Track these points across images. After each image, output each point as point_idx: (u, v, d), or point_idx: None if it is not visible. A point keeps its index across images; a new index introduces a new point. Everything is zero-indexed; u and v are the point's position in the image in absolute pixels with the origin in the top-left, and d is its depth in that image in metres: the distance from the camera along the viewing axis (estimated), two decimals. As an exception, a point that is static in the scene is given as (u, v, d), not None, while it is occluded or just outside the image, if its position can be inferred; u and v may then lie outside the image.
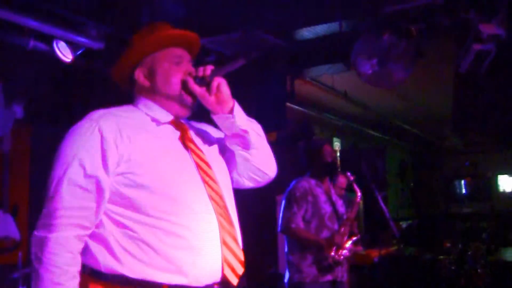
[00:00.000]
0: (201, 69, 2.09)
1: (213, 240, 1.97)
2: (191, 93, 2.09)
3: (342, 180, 5.06)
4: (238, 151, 2.16)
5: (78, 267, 1.90)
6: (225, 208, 2.04)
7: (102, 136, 1.94)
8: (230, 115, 2.07)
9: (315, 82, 7.09)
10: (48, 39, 4.60)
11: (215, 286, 1.96)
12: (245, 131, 2.11)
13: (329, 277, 4.25)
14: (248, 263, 5.73)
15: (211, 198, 2.00)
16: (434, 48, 5.71)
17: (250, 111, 6.25)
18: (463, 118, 5.58)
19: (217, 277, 1.96)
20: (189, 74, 2.11)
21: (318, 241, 4.26)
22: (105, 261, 1.92)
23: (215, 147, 2.24)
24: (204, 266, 1.93)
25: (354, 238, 4.36)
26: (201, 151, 2.11)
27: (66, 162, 1.92)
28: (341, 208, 4.49)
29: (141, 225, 1.91)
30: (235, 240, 2.02)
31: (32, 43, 4.59)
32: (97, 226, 1.95)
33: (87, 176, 1.90)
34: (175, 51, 2.16)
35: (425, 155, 12.09)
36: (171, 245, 1.90)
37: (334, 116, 8.66)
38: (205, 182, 2.02)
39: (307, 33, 5.61)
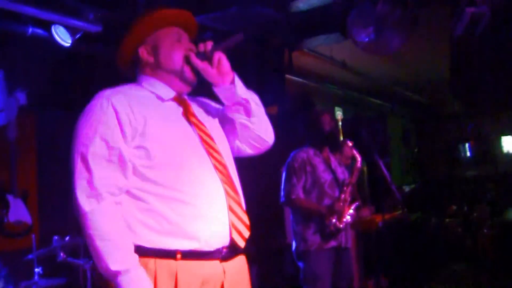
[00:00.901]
0: (201, 45, 2.23)
1: (220, 206, 2.09)
2: (193, 68, 2.22)
3: (347, 149, 5.12)
4: (239, 119, 2.30)
5: (126, 229, 2.01)
6: (229, 177, 2.16)
7: (116, 112, 2.05)
8: (232, 85, 2.22)
9: (314, 53, 7.10)
10: (47, 25, 4.66)
11: (224, 249, 2.09)
12: (246, 100, 2.26)
13: (333, 243, 4.33)
14: (257, 235, 5.81)
15: (216, 168, 2.13)
16: (430, 12, 5.73)
17: (249, 85, 6.31)
18: (460, 81, 5.62)
19: (225, 241, 2.09)
20: (191, 49, 2.24)
21: (319, 210, 4.34)
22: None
23: (215, 120, 2.37)
24: (213, 231, 2.06)
25: (356, 204, 4.42)
26: (203, 124, 2.23)
27: (88, 138, 2.03)
28: (341, 175, 4.54)
29: (153, 196, 2.03)
30: (240, 206, 2.15)
31: (31, 29, 4.65)
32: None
33: (110, 148, 2.02)
34: (175, 29, 2.29)
35: (428, 120, 12.12)
36: (181, 213, 2.03)
37: (335, 86, 8.67)
38: (209, 153, 2.15)
39: (302, 4, 5.63)
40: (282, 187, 4.49)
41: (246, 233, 2.14)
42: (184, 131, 2.17)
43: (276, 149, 4.91)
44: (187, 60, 2.22)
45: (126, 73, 2.37)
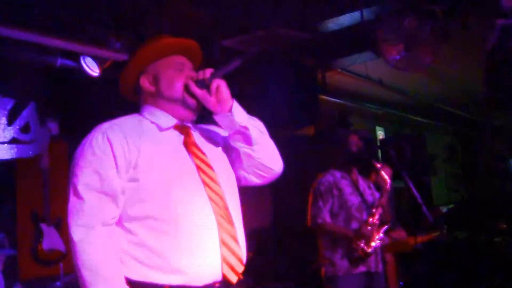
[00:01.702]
0: (201, 72, 2.22)
1: (211, 240, 2.05)
2: (193, 96, 2.21)
3: (378, 172, 5.02)
4: (241, 148, 2.25)
5: (117, 260, 1.99)
6: (225, 208, 2.12)
7: (111, 144, 2.06)
8: (229, 113, 2.18)
9: (349, 73, 7.05)
10: (75, 56, 4.75)
11: (216, 284, 2.04)
12: (245, 127, 2.19)
13: (362, 269, 4.22)
14: (292, 260, 5.77)
15: (210, 199, 2.09)
16: (465, 25, 5.61)
17: (282, 107, 6.30)
18: (497, 95, 5.46)
19: (217, 276, 2.05)
20: (191, 78, 2.23)
21: (346, 234, 4.24)
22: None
23: (219, 149, 2.34)
24: (203, 265, 2.02)
25: (385, 227, 4.30)
26: (203, 153, 2.19)
27: (81, 170, 2.04)
28: (370, 197, 4.44)
29: (142, 229, 2.02)
30: (235, 239, 2.10)
31: (60, 61, 4.75)
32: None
33: (102, 179, 2.02)
34: (176, 58, 2.29)
35: (474, 135, 11.83)
36: (170, 247, 2.00)
37: (373, 104, 8.58)
38: (205, 184, 2.11)
39: (331, 25, 5.60)
40: (309, 211, 4.42)
41: (240, 268, 2.09)
42: (180, 161, 2.15)
43: (313, 170, 4.89)
44: (187, 88, 2.21)
45: (130, 99, 2.39)
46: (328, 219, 4.30)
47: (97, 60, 4.78)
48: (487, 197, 10.19)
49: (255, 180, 2.36)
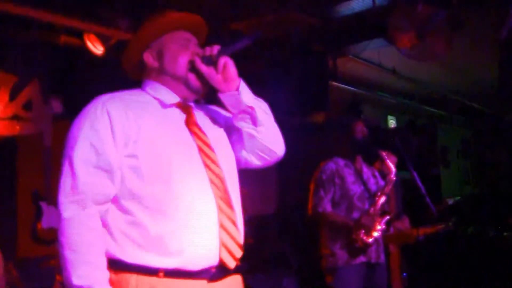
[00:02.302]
0: (208, 49, 2.13)
1: (210, 223, 1.98)
2: (198, 73, 2.13)
3: (383, 160, 4.92)
4: (245, 128, 2.18)
5: (103, 244, 1.92)
6: (225, 191, 2.05)
7: (110, 117, 1.98)
8: (236, 92, 2.11)
9: (361, 60, 6.95)
10: (79, 33, 4.70)
11: (212, 269, 1.97)
12: (252, 108, 2.14)
13: (362, 259, 4.12)
14: (294, 249, 5.67)
15: (211, 181, 2.02)
16: (479, 14, 5.49)
17: (292, 93, 6.21)
18: (510, 88, 5.33)
19: (214, 260, 1.97)
20: (197, 54, 2.15)
21: (346, 223, 4.15)
22: (107, 246, 1.94)
23: (221, 130, 2.26)
24: (200, 248, 1.95)
25: (387, 217, 4.21)
26: (204, 134, 2.12)
27: (78, 143, 1.97)
28: (373, 186, 4.33)
29: (139, 208, 1.94)
30: (234, 223, 2.03)
31: (63, 38, 4.70)
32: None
33: (99, 154, 1.95)
34: (182, 34, 2.20)
35: (488, 129, 11.67)
36: (166, 228, 1.92)
37: (386, 93, 8.46)
38: (206, 165, 2.04)
39: (343, 9, 5.50)
40: (310, 199, 4.33)
41: (238, 253, 2.01)
42: (181, 140, 2.07)
43: (321, 158, 4.81)
44: (192, 65, 2.13)
45: (133, 77, 2.30)
46: (329, 208, 4.21)
47: (102, 38, 4.71)
48: (498, 192, 10.06)
49: (255, 162, 2.29)
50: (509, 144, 11.09)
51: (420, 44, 5.16)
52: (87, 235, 1.88)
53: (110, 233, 1.95)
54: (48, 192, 4.90)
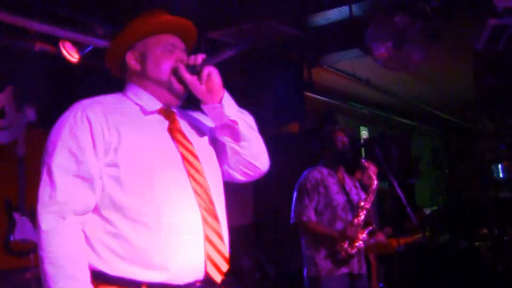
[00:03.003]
0: (192, 57, 2.06)
1: (195, 235, 1.92)
2: (181, 81, 2.06)
3: (364, 171, 4.92)
4: (228, 143, 2.11)
5: (85, 256, 1.85)
6: (210, 202, 1.98)
7: (90, 124, 1.91)
8: (219, 105, 2.03)
9: (336, 70, 6.96)
10: (54, 40, 4.61)
11: (198, 283, 1.91)
12: (235, 122, 2.05)
13: (344, 270, 4.12)
14: (273, 259, 5.61)
15: (195, 192, 1.96)
16: (454, 26, 5.54)
17: (267, 103, 6.19)
18: (486, 99, 5.39)
19: (199, 275, 1.91)
20: (181, 61, 2.08)
21: (330, 234, 4.13)
22: (89, 258, 1.87)
23: (206, 138, 2.19)
24: (185, 262, 1.89)
25: (369, 228, 4.19)
26: (189, 142, 2.05)
27: (57, 150, 1.89)
28: (355, 197, 4.33)
29: (121, 219, 1.88)
30: (219, 236, 1.96)
31: (38, 45, 4.61)
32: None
33: (79, 162, 1.88)
34: (168, 38, 2.13)
35: (458, 140, 11.82)
36: (149, 241, 1.86)
37: (359, 104, 8.49)
38: (190, 175, 1.97)
39: (319, 19, 5.50)
40: (293, 207, 4.30)
41: (224, 267, 1.95)
42: (164, 148, 1.99)
43: (296, 168, 4.79)
44: (175, 72, 2.06)
45: (116, 76, 2.23)
46: (313, 217, 4.19)
47: (77, 45, 4.63)
48: (469, 202, 10.17)
49: (239, 177, 2.23)
50: (479, 154, 11.25)
51: (397, 54, 5.18)
52: (67, 247, 1.82)
53: (91, 244, 1.88)
54: (21, 202, 4.78)
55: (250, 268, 6.22)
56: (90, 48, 4.69)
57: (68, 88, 4.98)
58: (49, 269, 1.79)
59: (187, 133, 2.09)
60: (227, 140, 2.10)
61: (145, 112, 2.06)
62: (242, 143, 2.09)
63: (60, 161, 1.87)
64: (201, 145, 2.11)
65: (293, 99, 6.23)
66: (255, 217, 6.97)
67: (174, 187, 1.93)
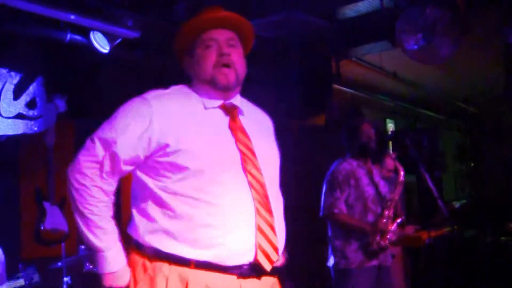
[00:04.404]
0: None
1: (247, 224, 2.03)
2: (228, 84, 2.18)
3: (390, 161, 4.90)
4: None
5: (110, 213, 2.10)
6: (265, 196, 2.08)
7: (153, 113, 2.04)
8: None
9: (363, 63, 6.93)
10: (85, 31, 4.63)
11: (244, 266, 2.02)
12: None
13: (374, 262, 4.10)
14: (301, 249, 5.56)
15: (251, 185, 2.06)
16: (484, 18, 5.48)
17: (295, 95, 6.17)
18: (515, 92, 5.34)
19: (248, 259, 2.02)
20: (221, 54, 2.16)
21: (362, 227, 4.11)
22: (143, 233, 2.06)
23: (265, 133, 2.30)
24: (234, 246, 2.00)
25: (399, 220, 4.17)
26: (248, 138, 2.15)
27: (117, 128, 2.05)
28: (383, 189, 4.31)
29: (178, 203, 2.01)
30: (272, 227, 2.06)
31: (69, 36, 4.63)
32: (142, 200, 2.09)
33: (124, 143, 2.04)
34: (209, 33, 2.18)
35: (485, 134, 11.69)
36: (203, 223, 1.99)
37: (386, 97, 8.45)
38: (246, 170, 2.07)
39: (349, 11, 5.48)
40: (323, 199, 4.28)
41: (274, 256, 2.05)
42: (223, 144, 2.10)
43: (323, 160, 4.77)
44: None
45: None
46: (344, 209, 4.17)
47: (108, 36, 4.65)
48: (495, 196, 10.08)
49: None
50: (505, 149, 11.13)
51: (427, 47, 5.14)
52: (99, 205, 2.05)
53: (150, 223, 2.05)
54: (51, 192, 4.83)
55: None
56: (120, 39, 4.69)
57: (98, 79, 5.00)
58: (82, 220, 2.09)
59: (247, 129, 2.18)
60: None
61: (206, 107, 2.17)
62: None
63: (107, 135, 2.05)
64: (261, 141, 2.21)
65: (321, 91, 6.22)
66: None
67: (231, 179, 2.05)
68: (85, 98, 5.07)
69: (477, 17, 5.29)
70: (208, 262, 1.98)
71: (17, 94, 4.81)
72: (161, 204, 2.04)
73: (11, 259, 4.40)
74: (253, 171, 2.07)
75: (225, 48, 2.15)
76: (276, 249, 2.04)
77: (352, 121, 4.65)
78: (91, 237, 2.05)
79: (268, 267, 2.03)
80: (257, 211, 2.03)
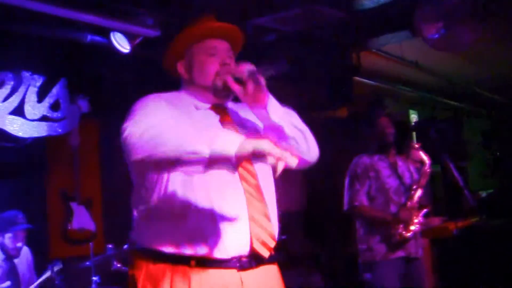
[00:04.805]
0: (239, 68, 2.20)
1: (240, 216, 2.08)
2: (228, 89, 2.21)
3: (415, 152, 4.86)
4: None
5: None
6: (256, 186, 2.14)
7: (165, 107, 2.11)
8: (264, 111, 2.18)
9: (384, 54, 6.88)
10: (105, 32, 4.67)
11: (243, 258, 2.07)
12: (280, 126, 2.18)
13: (400, 253, 4.08)
14: (328, 242, 5.61)
15: (242, 177, 2.12)
16: (505, 4, 5.41)
17: (315, 88, 6.15)
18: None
19: (245, 250, 2.07)
20: (224, 64, 2.24)
21: (384, 218, 4.10)
22: (144, 236, 2.12)
23: (255, 128, 2.32)
24: (229, 239, 2.04)
25: (424, 211, 4.14)
26: (237, 131, 2.18)
27: (136, 120, 2.03)
28: (409, 180, 4.28)
29: (171, 200, 2.05)
30: (266, 215, 2.12)
31: (89, 37, 4.67)
32: (139, 202, 2.13)
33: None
34: (211, 42, 2.27)
35: (509, 122, 11.53)
36: (198, 219, 2.03)
37: (408, 87, 8.38)
38: None
39: (367, 2, 5.43)
40: (345, 193, 4.28)
41: (271, 243, 2.11)
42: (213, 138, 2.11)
43: (347, 153, 4.76)
44: (224, 83, 2.21)
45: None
46: (365, 201, 4.17)
47: (128, 36, 4.68)
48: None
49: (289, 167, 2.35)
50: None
51: (447, 35, 5.10)
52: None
53: (148, 225, 2.10)
54: (77, 192, 4.89)
55: (302, 254, 6.23)
56: (140, 38, 4.71)
57: (120, 79, 5.04)
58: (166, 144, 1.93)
59: (237, 125, 2.25)
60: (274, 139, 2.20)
61: (198, 108, 2.25)
62: (290, 141, 2.21)
63: (140, 119, 2.02)
64: (249, 134, 2.18)
65: (342, 83, 6.19)
66: (306, 203, 6.95)
67: (221, 172, 2.04)
68: (108, 98, 5.11)
69: (503, 3, 5.23)
70: (207, 257, 2.02)
71: (40, 97, 4.88)
72: (156, 203, 2.08)
73: (39, 259, 4.47)
74: (244, 162, 2.11)
75: (227, 59, 2.26)
76: (272, 236, 2.10)
77: (370, 115, 4.64)
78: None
79: (265, 253, 2.08)
80: (249, 202, 2.09)
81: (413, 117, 9.36)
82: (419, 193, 4.15)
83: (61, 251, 4.75)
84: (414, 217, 4.07)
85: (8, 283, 4.18)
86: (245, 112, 2.35)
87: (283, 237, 4.42)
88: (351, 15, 5.57)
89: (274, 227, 2.14)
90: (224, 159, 1.85)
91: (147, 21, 4.64)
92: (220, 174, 2.04)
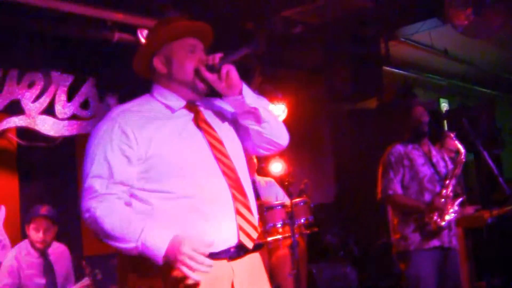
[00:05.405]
0: (211, 57, 2.28)
1: (227, 210, 2.18)
2: (203, 79, 2.28)
3: (450, 141, 4.79)
4: (251, 126, 2.35)
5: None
6: (237, 181, 2.24)
7: (122, 132, 2.14)
8: (240, 96, 2.27)
9: (413, 42, 6.81)
10: (132, 29, 4.68)
11: (231, 249, 2.17)
12: (255, 108, 2.29)
13: (435, 242, 4.01)
14: (361, 234, 5.55)
15: (224, 173, 2.21)
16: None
17: (345, 79, 6.09)
18: None
19: (233, 242, 2.17)
20: (201, 62, 2.29)
21: (418, 206, 4.04)
22: None
23: (228, 123, 2.42)
24: (219, 232, 2.14)
25: (459, 200, 4.08)
26: (213, 129, 2.29)
27: (93, 159, 2.14)
28: (443, 169, 4.21)
29: (156, 199, 2.13)
30: (248, 208, 2.23)
31: (117, 35, 4.70)
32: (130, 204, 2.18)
33: (112, 169, 2.12)
34: (189, 40, 2.33)
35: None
36: (187, 217, 2.12)
37: (438, 76, 8.28)
38: (217, 159, 2.23)
39: (395, -10, 5.39)
40: (379, 183, 4.24)
41: (254, 234, 2.22)
42: (191, 138, 2.24)
43: (377, 144, 4.71)
44: (198, 73, 2.28)
45: (143, 76, 2.46)
46: (399, 190, 4.12)
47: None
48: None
49: (263, 152, 2.50)
50: None
51: (477, 21, 5.03)
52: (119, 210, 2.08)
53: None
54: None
55: (334, 245, 6.21)
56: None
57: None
58: (112, 229, 2.05)
59: (210, 121, 2.33)
60: (250, 123, 2.34)
61: (172, 110, 2.28)
62: (263, 125, 2.33)
63: (97, 170, 2.12)
64: (224, 130, 2.36)
65: (371, 74, 6.14)
66: (337, 194, 6.92)
67: (205, 171, 2.18)
68: (136, 95, 5.12)
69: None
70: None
71: (70, 96, 4.92)
72: (139, 200, 2.14)
73: (74, 256, 4.52)
74: (224, 159, 2.23)
75: (203, 56, 2.31)
76: (255, 228, 2.22)
77: (403, 105, 4.58)
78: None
79: (250, 244, 2.19)
80: (234, 196, 2.19)
81: (444, 105, 9.25)
82: (453, 182, 4.08)
83: (95, 248, 4.78)
84: (449, 206, 4.01)
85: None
86: (216, 105, 2.43)
87: (316, 229, 4.40)
88: (379, 4, 5.53)
89: (255, 219, 2.25)
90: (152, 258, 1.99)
91: (171, 16, 4.65)
92: (205, 170, 2.17)
